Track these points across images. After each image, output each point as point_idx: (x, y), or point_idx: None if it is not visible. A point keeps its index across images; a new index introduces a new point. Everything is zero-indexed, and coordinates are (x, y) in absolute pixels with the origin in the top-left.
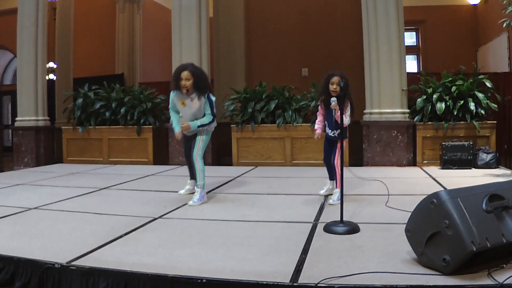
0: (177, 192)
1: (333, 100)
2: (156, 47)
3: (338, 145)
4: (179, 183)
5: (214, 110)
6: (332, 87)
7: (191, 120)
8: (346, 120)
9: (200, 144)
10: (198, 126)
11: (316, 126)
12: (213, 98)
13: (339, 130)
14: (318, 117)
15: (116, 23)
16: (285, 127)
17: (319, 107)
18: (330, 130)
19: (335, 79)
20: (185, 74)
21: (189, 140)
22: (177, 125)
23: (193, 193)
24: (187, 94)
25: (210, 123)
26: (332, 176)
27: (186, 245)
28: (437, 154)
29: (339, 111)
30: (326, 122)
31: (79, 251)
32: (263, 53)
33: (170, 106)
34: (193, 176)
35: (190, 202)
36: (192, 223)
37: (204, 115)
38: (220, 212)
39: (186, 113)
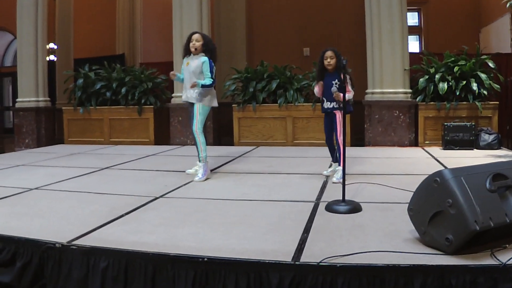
0: (178, 171)
1: (334, 90)
2: (157, 27)
3: (337, 119)
4: (180, 163)
5: (213, 75)
6: (326, 62)
7: (189, 81)
8: (350, 94)
9: (199, 117)
10: (202, 86)
11: (316, 90)
12: (214, 66)
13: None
14: (316, 87)
15: (116, 3)
16: (286, 106)
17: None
18: (329, 102)
19: (328, 53)
20: (196, 36)
21: (191, 113)
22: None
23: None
24: (193, 55)
25: (211, 85)
26: (334, 157)
27: (187, 224)
28: (439, 135)
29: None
30: (323, 97)
31: (80, 230)
32: (265, 32)
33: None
34: None
35: (196, 178)
36: (193, 202)
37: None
38: (221, 191)
39: (186, 73)
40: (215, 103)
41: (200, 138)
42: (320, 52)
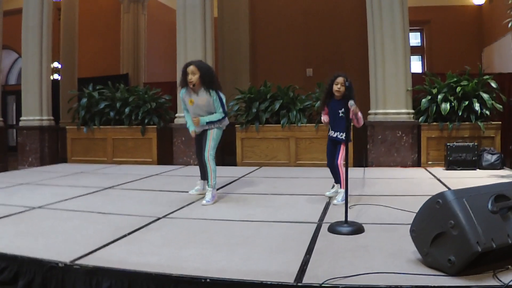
0: (181, 192)
1: (351, 104)
2: (161, 47)
3: (341, 148)
4: (183, 183)
5: (225, 108)
6: (336, 87)
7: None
8: (361, 120)
9: (211, 144)
10: (207, 123)
11: (323, 118)
12: (223, 96)
13: (344, 133)
14: (322, 115)
15: (120, 23)
16: (289, 127)
17: (323, 109)
18: (337, 132)
19: (340, 79)
20: (190, 68)
21: (200, 138)
22: (191, 125)
23: (203, 193)
24: (194, 91)
25: (219, 120)
26: (337, 180)
27: (191, 245)
28: (442, 155)
29: (355, 113)
30: (330, 126)
31: (83, 250)
32: (268, 53)
33: (182, 106)
34: (204, 176)
35: (203, 202)
36: (196, 222)
37: (214, 112)
38: (225, 212)
39: (195, 111)
40: (227, 123)
41: (211, 165)
42: (332, 75)
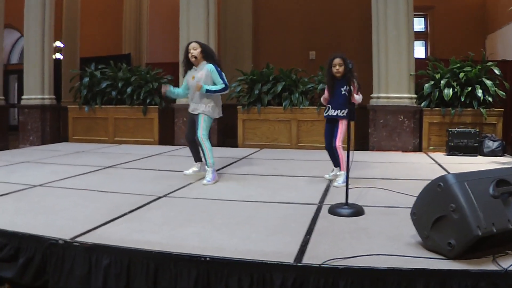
0: (182, 171)
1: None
2: (163, 28)
3: (340, 126)
4: (184, 163)
5: (225, 80)
6: (335, 69)
7: (198, 94)
8: (359, 97)
9: (203, 125)
10: (206, 90)
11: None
12: (222, 73)
13: (346, 110)
14: (323, 98)
15: (123, 3)
16: (291, 109)
17: (325, 91)
18: (338, 110)
19: (337, 60)
20: (192, 45)
21: (192, 122)
22: (172, 87)
23: (201, 174)
24: (196, 66)
25: (219, 91)
26: (336, 163)
27: (191, 224)
28: (443, 140)
29: (354, 92)
30: (329, 105)
31: (83, 227)
32: (271, 35)
33: (183, 85)
34: (197, 158)
35: (204, 182)
36: (197, 202)
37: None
38: (225, 192)
39: (194, 85)
40: (219, 114)
41: (206, 144)
42: (328, 58)
